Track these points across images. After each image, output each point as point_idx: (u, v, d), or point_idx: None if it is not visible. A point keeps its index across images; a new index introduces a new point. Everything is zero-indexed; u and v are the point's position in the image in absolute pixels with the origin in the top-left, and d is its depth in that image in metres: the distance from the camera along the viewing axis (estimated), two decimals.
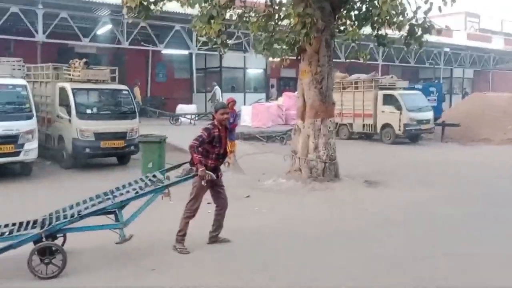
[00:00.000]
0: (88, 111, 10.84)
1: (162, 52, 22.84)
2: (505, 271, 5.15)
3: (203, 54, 23.65)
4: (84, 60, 11.36)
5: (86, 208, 5.27)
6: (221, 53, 22.02)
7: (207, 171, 5.37)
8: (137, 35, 20.28)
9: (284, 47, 9.63)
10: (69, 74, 11.17)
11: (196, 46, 21.65)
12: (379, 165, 12.30)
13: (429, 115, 17.88)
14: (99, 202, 5.35)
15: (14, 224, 5.17)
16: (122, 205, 5.21)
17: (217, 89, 21.19)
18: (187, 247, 5.53)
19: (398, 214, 7.37)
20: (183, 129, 17.98)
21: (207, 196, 5.86)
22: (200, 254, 5.53)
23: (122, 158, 11.75)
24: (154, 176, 5.89)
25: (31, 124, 9.64)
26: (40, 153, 12.32)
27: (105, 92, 11.47)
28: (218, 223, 5.82)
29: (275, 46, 9.88)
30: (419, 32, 9.70)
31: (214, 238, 5.83)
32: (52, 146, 11.60)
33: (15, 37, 17.85)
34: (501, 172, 11.45)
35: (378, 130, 17.97)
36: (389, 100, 17.63)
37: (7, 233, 4.92)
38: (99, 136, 10.64)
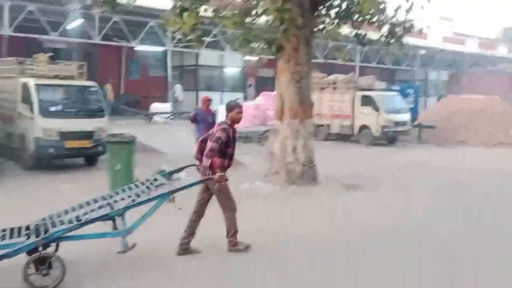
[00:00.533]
0: (52, 108, 10.17)
1: (136, 48, 22.12)
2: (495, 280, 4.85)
3: (179, 52, 23.10)
4: (50, 54, 10.69)
5: (85, 213, 4.87)
6: (196, 50, 21.73)
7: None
8: (109, 31, 19.57)
9: (262, 45, 9.21)
10: (33, 69, 10.47)
11: (172, 42, 21.09)
12: (358, 167, 12.00)
13: (407, 116, 17.77)
14: (99, 208, 4.95)
15: (4, 230, 4.69)
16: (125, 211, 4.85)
17: (177, 86, 20.56)
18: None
19: (382, 221, 7.04)
20: (157, 129, 17.41)
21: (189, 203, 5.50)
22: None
23: (90, 159, 11.11)
24: (155, 179, 5.61)
25: None
26: (2, 153, 11.67)
27: (72, 89, 10.80)
28: (191, 230, 5.47)
29: (253, 44, 9.49)
30: (400, 32, 9.43)
31: (185, 246, 5.43)
32: (14, 146, 10.89)
33: None
34: (479, 175, 11.29)
35: (356, 131, 17.75)
36: (367, 101, 17.43)
37: None
38: (64, 135, 9.98)
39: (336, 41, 17.71)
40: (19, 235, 4.55)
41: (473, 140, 18.20)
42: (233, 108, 5.52)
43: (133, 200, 4.96)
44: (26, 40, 17.93)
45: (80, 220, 4.65)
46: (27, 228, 4.71)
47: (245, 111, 17.42)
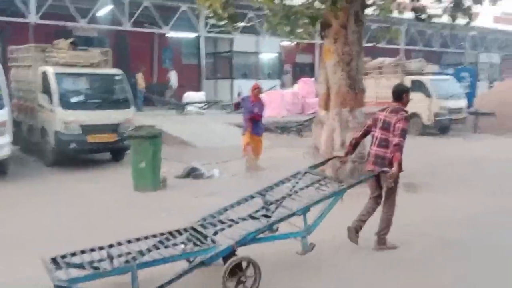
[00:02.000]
0: (74, 99, 9.30)
1: (168, 35, 21.21)
2: None
3: (212, 38, 22.06)
4: (71, 39, 9.81)
5: (257, 211, 4.73)
6: (230, 35, 20.60)
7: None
8: (140, 17, 18.71)
9: (305, 21, 7.97)
10: (54, 57, 9.61)
11: (205, 28, 20.05)
12: (411, 162, 10.54)
13: (462, 103, 16.08)
14: (267, 207, 4.80)
15: (162, 234, 4.34)
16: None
17: (172, 73, 19.38)
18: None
19: (453, 231, 5.76)
20: (190, 119, 16.46)
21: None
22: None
23: (116, 153, 10.23)
24: (304, 174, 5.41)
25: (2, 115, 8.10)
26: (24, 148, 10.96)
27: (95, 78, 9.88)
28: (364, 218, 5.31)
29: (292, 23, 8.28)
30: (468, 2, 7.96)
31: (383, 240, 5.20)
32: (35, 140, 10.12)
33: (4, 18, 16.28)
34: None
35: None
36: (417, 86, 15.78)
37: (181, 247, 4.22)
38: (87, 128, 9.08)
39: (382, 22, 16.18)
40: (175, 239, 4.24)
41: None
42: (407, 91, 5.25)
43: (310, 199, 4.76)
44: (54, 28, 17.31)
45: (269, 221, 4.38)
46: (182, 231, 4.36)
47: (283, 99, 16.30)
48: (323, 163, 5.81)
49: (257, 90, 9.06)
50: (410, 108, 15.38)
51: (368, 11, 8.32)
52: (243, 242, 4.10)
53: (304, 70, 27.70)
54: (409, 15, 13.64)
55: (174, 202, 7.02)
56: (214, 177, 8.72)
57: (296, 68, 27.36)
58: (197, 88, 20.96)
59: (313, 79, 19.89)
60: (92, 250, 4.04)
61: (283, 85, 22.90)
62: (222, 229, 4.43)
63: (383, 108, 5.28)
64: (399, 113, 4.97)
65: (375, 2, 8.76)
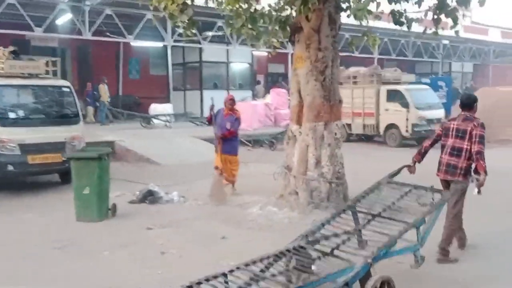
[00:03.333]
0: (11, 115, 8.13)
1: (133, 44, 20.11)
2: None
3: (181, 48, 21.06)
4: (11, 48, 8.67)
5: (363, 225, 4.45)
6: (199, 45, 19.64)
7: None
8: (102, 26, 17.58)
9: (275, 27, 7.08)
10: None
11: (172, 37, 19.04)
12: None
13: (440, 113, 15.47)
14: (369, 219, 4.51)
15: (268, 257, 3.93)
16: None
17: (101, 86, 18.10)
18: None
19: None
20: (155, 134, 15.36)
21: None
22: None
23: (64, 175, 9.05)
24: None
25: None
26: None
27: (38, 90, 8.69)
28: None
29: (259, 30, 7.39)
30: (453, 3, 7.22)
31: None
32: None
33: None
34: None
35: (382, 131, 15.52)
36: (394, 96, 15.20)
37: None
38: (27, 148, 7.93)
39: (356, 31, 15.51)
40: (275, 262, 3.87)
41: None
42: (477, 100, 5.19)
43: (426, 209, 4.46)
44: (12, 37, 16.00)
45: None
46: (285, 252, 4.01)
47: (255, 111, 15.36)
48: (399, 171, 5.57)
49: (230, 101, 8.09)
50: (387, 119, 14.78)
51: (342, 18, 7.46)
52: (379, 258, 3.89)
53: (277, 80, 26.95)
54: (382, 24, 12.92)
55: (121, 235, 5.96)
56: (173, 201, 7.68)
57: (269, 78, 26.58)
58: (166, 100, 19.90)
59: (283, 90, 19.04)
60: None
61: (255, 96, 22.01)
62: (338, 246, 4.18)
63: (452, 118, 5.35)
64: (474, 121, 4.96)
65: (350, 6, 7.94)
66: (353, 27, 14.18)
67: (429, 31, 7.91)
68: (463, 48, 32.19)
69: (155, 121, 17.23)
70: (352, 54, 24.49)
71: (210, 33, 19.51)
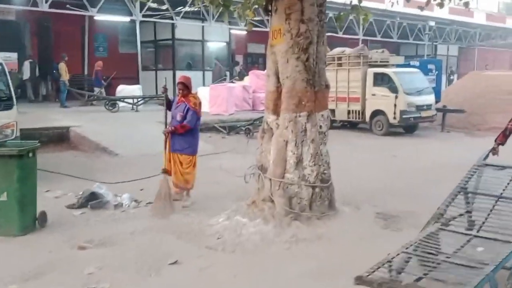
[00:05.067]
0: None
1: (97, 19, 18.34)
2: None
3: (151, 23, 19.39)
4: None
5: None
6: (171, 21, 17.92)
7: None
8: None
9: None
10: None
11: (141, 12, 17.36)
12: (382, 172, 8.62)
13: (431, 99, 14.33)
14: None
15: None
16: None
17: (26, 63, 16.52)
18: None
19: None
20: (119, 118, 13.85)
21: None
22: None
23: None
24: None
25: None
26: None
27: None
28: None
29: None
30: None
31: None
32: None
33: None
34: None
35: (367, 118, 14.31)
36: (382, 80, 13.97)
37: None
38: None
39: (341, 9, 14.14)
40: None
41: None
42: None
43: None
44: None
45: None
46: None
47: (231, 94, 13.93)
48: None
49: (179, 85, 6.47)
50: (374, 104, 13.51)
51: None
52: None
53: (257, 61, 25.51)
54: (366, 3, 11.57)
55: (42, 258, 4.57)
56: (122, 206, 6.31)
57: (248, 58, 25.09)
58: (136, 81, 18.29)
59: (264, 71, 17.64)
60: None
61: (233, 78, 20.54)
62: None
63: None
64: None
65: None
66: (336, 5, 12.84)
67: None
68: (449, 30, 31.17)
69: (121, 104, 15.66)
70: (336, 35, 23.32)
71: (183, 9, 17.90)
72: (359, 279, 2.98)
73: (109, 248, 4.82)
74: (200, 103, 6.60)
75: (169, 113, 6.58)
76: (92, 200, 6.21)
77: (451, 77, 29.84)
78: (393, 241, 4.95)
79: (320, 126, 5.65)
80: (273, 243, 4.86)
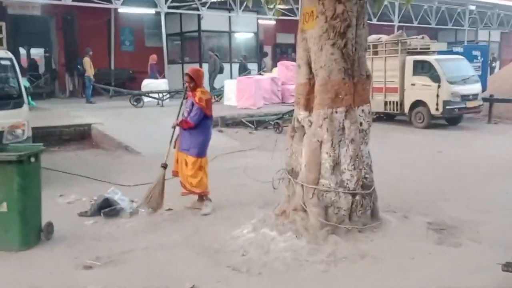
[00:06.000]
0: None
1: (121, 11, 17.90)
2: None
3: (177, 15, 18.83)
4: None
5: None
6: (197, 12, 17.25)
7: None
8: None
9: None
10: None
11: (166, 3, 16.79)
12: (428, 172, 7.71)
13: (477, 88, 13.16)
14: None
15: None
16: None
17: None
18: None
19: None
20: (144, 114, 13.32)
21: None
22: None
23: None
24: None
25: None
26: None
27: None
28: None
29: None
30: None
31: None
32: None
33: None
34: None
35: (406, 110, 13.30)
36: (423, 68, 12.91)
37: None
38: None
39: None
40: None
41: None
42: None
43: None
44: None
45: None
46: None
47: (259, 87, 13.14)
48: None
49: (186, 77, 5.78)
50: (414, 94, 12.44)
51: None
52: None
53: (286, 51, 24.65)
54: None
55: (39, 279, 3.98)
56: (138, 213, 5.70)
57: (277, 49, 24.24)
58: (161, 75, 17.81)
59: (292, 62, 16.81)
60: None
61: (262, 69, 19.77)
62: None
63: None
64: None
65: None
66: None
67: None
68: (490, 15, 29.34)
69: (146, 99, 15.17)
70: (369, 22, 22.16)
71: None
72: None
73: (117, 268, 4.20)
74: (208, 100, 5.80)
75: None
76: (105, 207, 5.62)
77: (493, 64, 28.08)
78: (451, 260, 4.16)
79: (361, 123, 4.84)
80: (307, 263, 4.12)
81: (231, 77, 17.94)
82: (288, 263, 4.14)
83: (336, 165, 4.71)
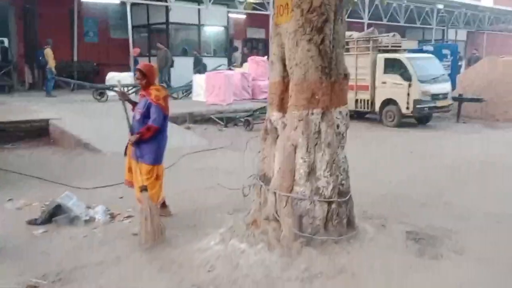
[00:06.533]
0: None
1: (84, 1, 17.09)
2: None
3: (144, 6, 18.12)
4: None
5: None
6: (165, 3, 16.62)
7: None
8: None
9: None
10: None
11: None
12: (402, 174, 7.50)
13: (447, 87, 13.14)
14: None
15: None
16: None
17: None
18: None
19: None
20: (108, 109, 12.63)
21: None
22: None
23: None
24: None
25: None
26: None
27: None
28: None
29: None
30: None
31: None
32: None
33: None
34: None
35: (377, 108, 13.16)
36: (394, 67, 12.78)
37: None
38: None
39: None
40: None
41: None
42: None
43: None
44: None
45: None
46: None
47: (229, 82, 12.66)
48: None
49: (137, 73, 5.11)
50: (385, 93, 12.28)
51: None
52: None
53: (257, 47, 24.30)
54: None
55: None
56: (94, 221, 5.21)
57: (247, 44, 23.83)
58: (127, 68, 17.09)
59: (265, 57, 16.47)
60: None
61: (231, 64, 19.33)
62: None
63: None
64: None
65: None
66: None
67: None
68: (457, 14, 29.79)
69: (111, 93, 14.49)
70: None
71: None
72: None
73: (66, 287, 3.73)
74: (165, 97, 5.11)
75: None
76: (57, 215, 5.10)
77: (459, 63, 28.51)
78: (432, 275, 3.88)
79: (338, 126, 4.51)
80: (279, 281, 3.76)
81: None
82: (259, 280, 3.78)
83: (311, 171, 4.36)
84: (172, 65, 16.98)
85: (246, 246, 4.21)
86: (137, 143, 5.03)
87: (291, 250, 4.12)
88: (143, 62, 5.39)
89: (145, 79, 5.05)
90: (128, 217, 5.32)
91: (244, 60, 19.54)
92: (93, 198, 5.91)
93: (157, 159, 5.09)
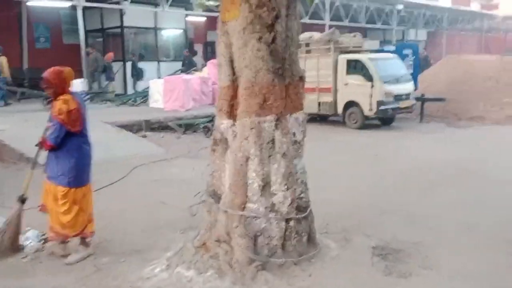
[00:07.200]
0: None
1: (30, 5, 16.19)
2: None
3: (97, 10, 17.32)
4: None
5: None
6: (118, 6, 15.89)
7: None
8: None
9: None
10: None
11: None
12: (366, 180, 7.14)
13: (409, 87, 13.00)
14: None
15: None
16: None
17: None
18: None
19: None
20: None
21: None
22: None
23: None
24: None
25: None
26: None
27: None
28: None
29: None
30: None
31: None
32: None
33: None
34: None
35: (340, 110, 12.89)
36: (356, 68, 12.52)
37: None
38: None
39: None
40: None
41: (493, 116, 13.78)
42: None
43: None
44: None
45: None
46: None
47: (188, 87, 12.03)
48: None
49: (42, 82, 4.34)
50: (347, 95, 11.94)
51: None
52: None
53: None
54: None
55: None
56: (24, 248, 4.58)
57: (208, 47, 23.27)
58: (80, 74, 16.25)
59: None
60: None
61: (191, 69, 18.70)
62: None
63: None
64: None
65: None
66: None
67: None
68: (417, 14, 30.21)
69: None
70: (301, 21, 21.84)
71: None
72: None
73: None
74: (73, 111, 4.21)
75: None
76: None
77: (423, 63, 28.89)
78: None
79: (294, 134, 4.08)
80: None
81: (158, 77, 16.76)
82: None
83: (265, 185, 3.91)
84: (103, 70, 16.31)
85: (194, 274, 3.71)
86: (52, 161, 4.39)
87: (244, 276, 3.64)
88: (51, 68, 4.48)
89: (52, 88, 4.31)
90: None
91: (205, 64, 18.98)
92: (29, 220, 5.26)
93: (73, 182, 4.29)
